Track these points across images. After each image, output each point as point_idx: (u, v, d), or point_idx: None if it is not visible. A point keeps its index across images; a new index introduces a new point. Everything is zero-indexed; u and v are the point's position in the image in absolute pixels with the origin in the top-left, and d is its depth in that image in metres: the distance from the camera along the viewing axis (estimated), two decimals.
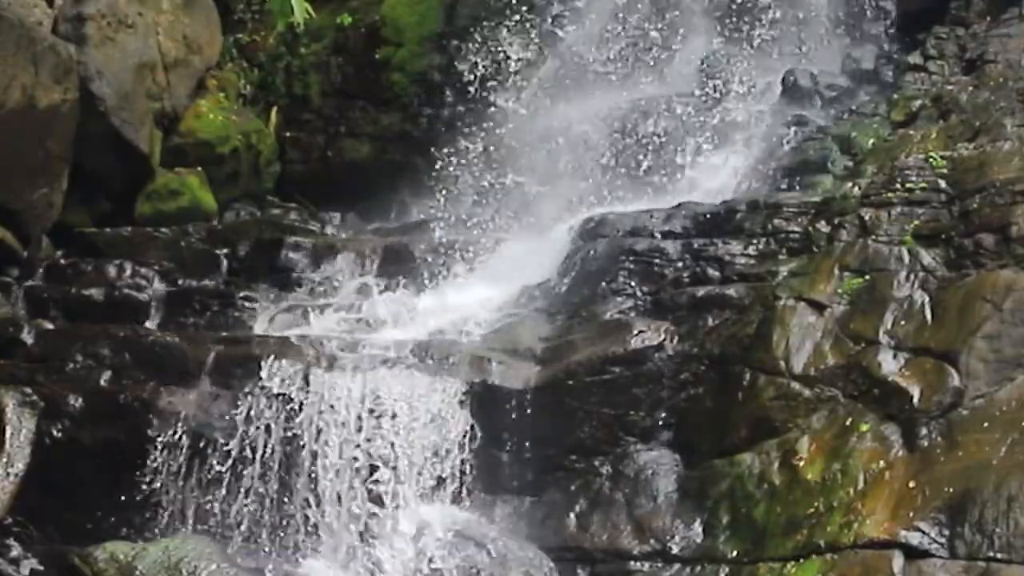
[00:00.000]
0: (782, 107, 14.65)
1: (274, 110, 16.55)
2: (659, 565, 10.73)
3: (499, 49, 15.83)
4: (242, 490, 11.11)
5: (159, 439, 11.24)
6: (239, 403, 11.28)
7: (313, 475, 11.07)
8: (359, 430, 11.12)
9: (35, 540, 10.97)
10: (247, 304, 13.24)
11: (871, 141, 13.46)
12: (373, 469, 11.06)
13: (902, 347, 10.63)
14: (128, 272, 13.76)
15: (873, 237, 11.29)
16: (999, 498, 9.62)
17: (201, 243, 14.38)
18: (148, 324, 13.05)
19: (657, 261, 12.14)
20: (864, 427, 10.41)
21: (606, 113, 14.98)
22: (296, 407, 11.21)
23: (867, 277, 11.09)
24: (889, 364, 10.58)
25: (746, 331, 11.29)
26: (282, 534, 11.02)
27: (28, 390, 11.57)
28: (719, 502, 10.72)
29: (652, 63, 15.53)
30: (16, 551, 10.71)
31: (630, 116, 14.85)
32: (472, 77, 15.84)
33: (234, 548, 10.88)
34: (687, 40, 15.53)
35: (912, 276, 10.94)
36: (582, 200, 14.27)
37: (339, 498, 11.01)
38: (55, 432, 11.41)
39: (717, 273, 11.93)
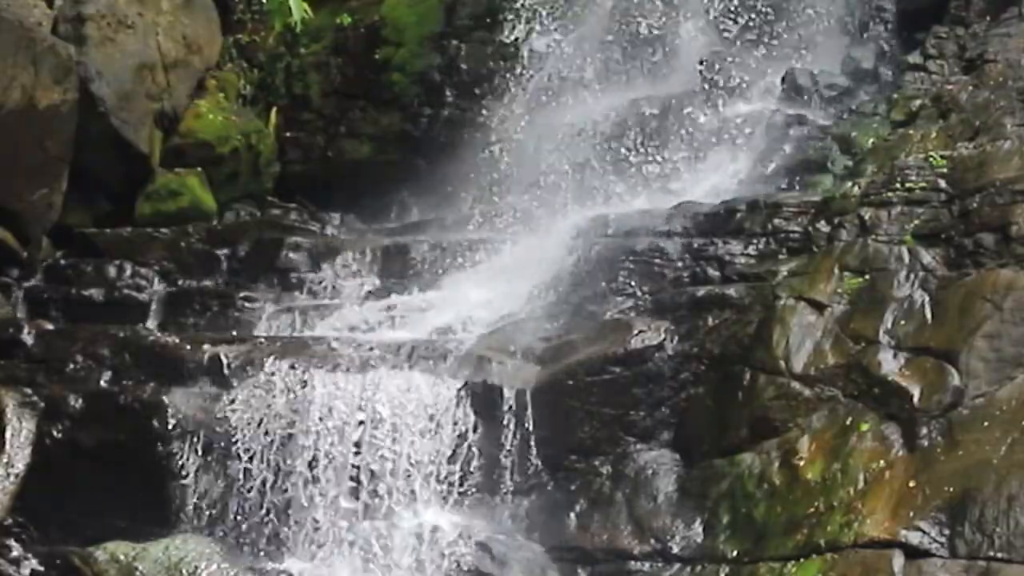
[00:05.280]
0: (782, 107, 14.64)
1: (274, 110, 16.54)
2: (659, 565, 10.73)
3: (500, 48, 15.84)
4: (242, 490, 11.11)
5: (159, 440, 11.24)
6: (239, 403, 11.28)
7: (313, 475, 11.07)
8: (359, 430, 11.13)
9: (35, 540, 10.98)
10: (247, 304, 13.25)
11: (871, 141, 13.45)
12: (373, 469, 11.06)
13: (902, 346, 10.63)
14: (128, 272, 13.78)
15: (873, 237, 11.29)
16: (999, 497, 9.62)
17: (201, 243, 14.37)
18: (148, 324, 13.08)
19: (657, 261, 12.14)
20: (864, 427, 10.40)
21: (606, 113, 14.97)
22: (296, 407, 11.21)
23: (867, 277, 11.09)
24: (889, 363, 10.58)
25: (746, 331, 11.29)
26: (282, 534, 11.02)
27: (28, 391, 11.60)
28: (719, 502, 10.72)
29: (652, 63, 15.52)
30: (16, 551, 10.72)
31: (630, 116, 14.84)
32: (472, 77, 15.86)
33: (234, 548, 10.89)
34: (687, 40, 15.52)
35: (912, 275, 10.94)
36: (582, 200, 14.27)
37: (339, 498, 11.01)
38: (55, 432, 11.42)
39: (717, 273, 11.93)
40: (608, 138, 14.75)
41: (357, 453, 11.09)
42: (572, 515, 11.10)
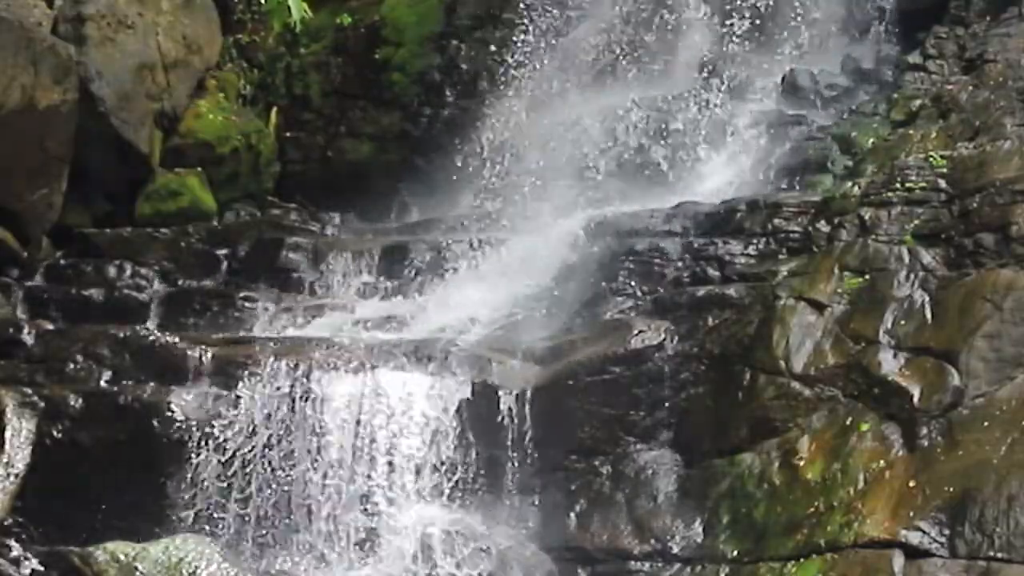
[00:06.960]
0: (782, 107, 14.64)
1: (274, 110, 16.54)
2: (659, 565, 10.73)
3: (500, 48, 15.84)
4: (242, 490, 11.11)
5: (159, 440, 11.24)
6: (239, 403, 11.28)
7: (313, 475, 11.06)
8: (359, 430, 11.12)
9: (35, 540, 10.97)
10: (247, 304, 13.25)
11: (871, 141, 13.45)
12: (373, 469, 11.06)
13: (902, 346, 10.63)
14: (128, 272, 13.78)
15: (873, 236, 11.29)
16: (999, 497, 9.62)
17: (201, 243, 14.38)
18: (148, 324, 13.06)
19: (657, 261, 12.15)
20: (864, 427, 10.41)
21: (606, 113, 14.97)
22: (296, 407, 11.21)
23: (867, 277, 11.09)
24: (889, 363, 10.58)
25: (746, 331, 11.29)
26: (282, 534, 11.02)
27: (28, 390, 11.58)
28: (719, 502, 10.72)
29: (653, 62, 15.52)
30: (16, 551, 10.71)
31: (630, 116, 14.85)
32: (472, 77, 15.86)
33: (234, 548, 10.88)
34: (687, 40, 15.52)
35: (912, 275, 10.94)
36: (582, 200, 14.26)
37: (339, 498, 11.01)
38: (55, 432, 11.41)
39: (717, 273, 11.93)
40: (608, 138, 14.75)
41: (357, 453, 11.08)
42: (572, 515, 11.10)
